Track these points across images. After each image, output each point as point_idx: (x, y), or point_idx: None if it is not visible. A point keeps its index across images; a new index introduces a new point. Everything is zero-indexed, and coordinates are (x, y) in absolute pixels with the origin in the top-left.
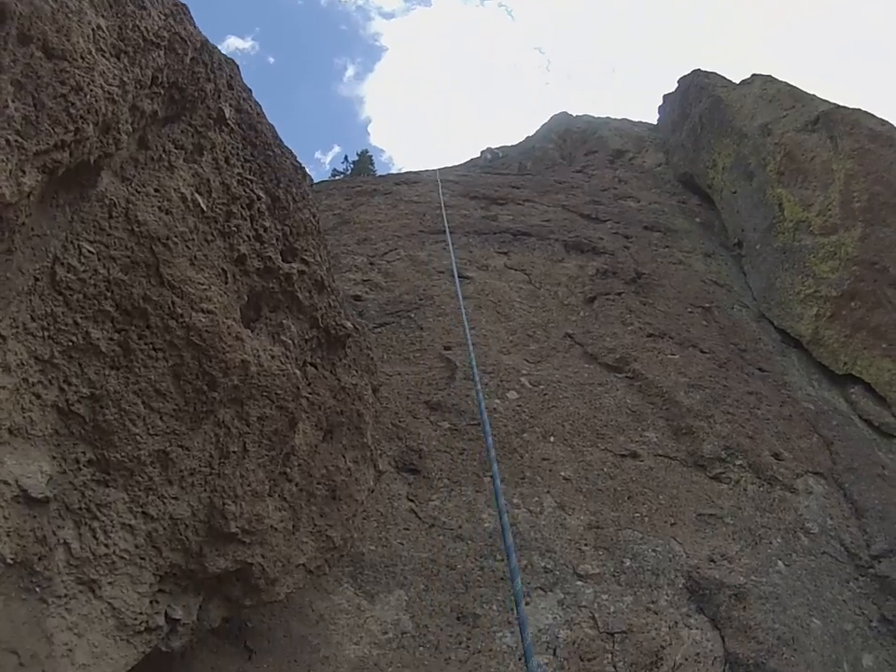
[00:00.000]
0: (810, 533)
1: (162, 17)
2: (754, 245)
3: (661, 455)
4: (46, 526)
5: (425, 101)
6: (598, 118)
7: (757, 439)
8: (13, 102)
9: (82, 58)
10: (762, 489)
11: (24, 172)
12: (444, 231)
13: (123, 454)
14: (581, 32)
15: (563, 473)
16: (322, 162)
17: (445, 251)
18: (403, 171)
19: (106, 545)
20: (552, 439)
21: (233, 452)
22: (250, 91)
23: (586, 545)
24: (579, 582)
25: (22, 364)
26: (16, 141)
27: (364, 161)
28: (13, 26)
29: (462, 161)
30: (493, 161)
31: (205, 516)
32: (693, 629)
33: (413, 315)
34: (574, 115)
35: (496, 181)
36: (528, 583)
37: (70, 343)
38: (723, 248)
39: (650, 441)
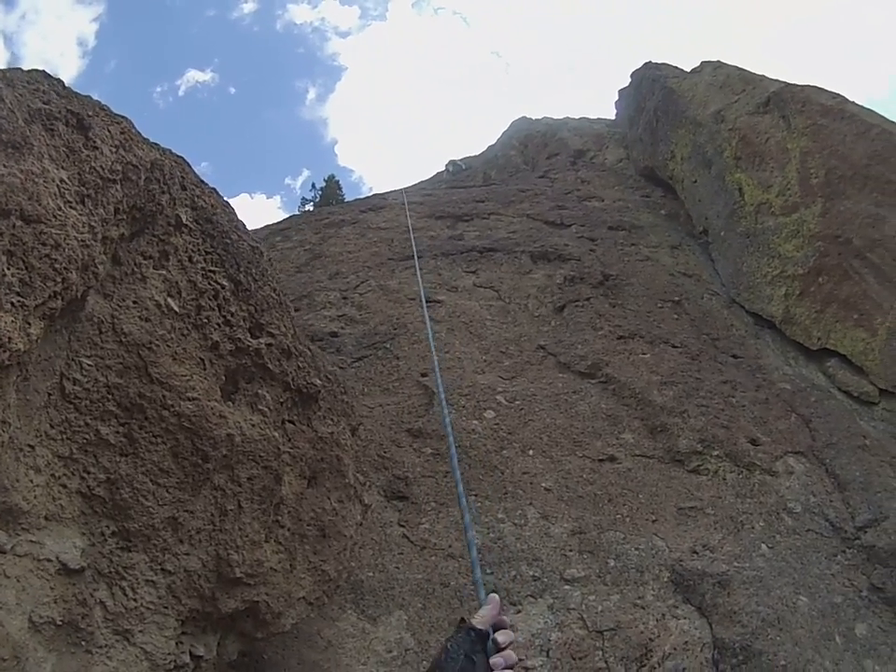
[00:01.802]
0: (793, 513)
1: (113, 150)
2: (719, 232)
3: (638, 456)
4: (84, 591)
5: (388, 116)
6: (558, 119)
7: (732, 427)
8: (8, 269)
9: (55, 217)
10: (741, 476)
11: (30, 324)
12: (413, 257)
13: (140, 523)
14: (536, 32)
15: (544, 484)
16: (293, 188)
17: (415, 277)
18: (373, 191)
19: (135, 599)
20: (531, 452)
21: (230, 509)
22: (202, 182)
23: (571, 551)
24: (566, 587)
25: (49, 463)
26: (18, 301)
27: (331, 187)
28: None
29: (429, 176)
30: (457, 174)
31: (214, 566)
32: (681, 619)
33: (388, 346)
34: (534, 119)
35: (460, 197)
36: (518, 592)
37: (84, 441)
38: (690, 238)
39: (626, 443)
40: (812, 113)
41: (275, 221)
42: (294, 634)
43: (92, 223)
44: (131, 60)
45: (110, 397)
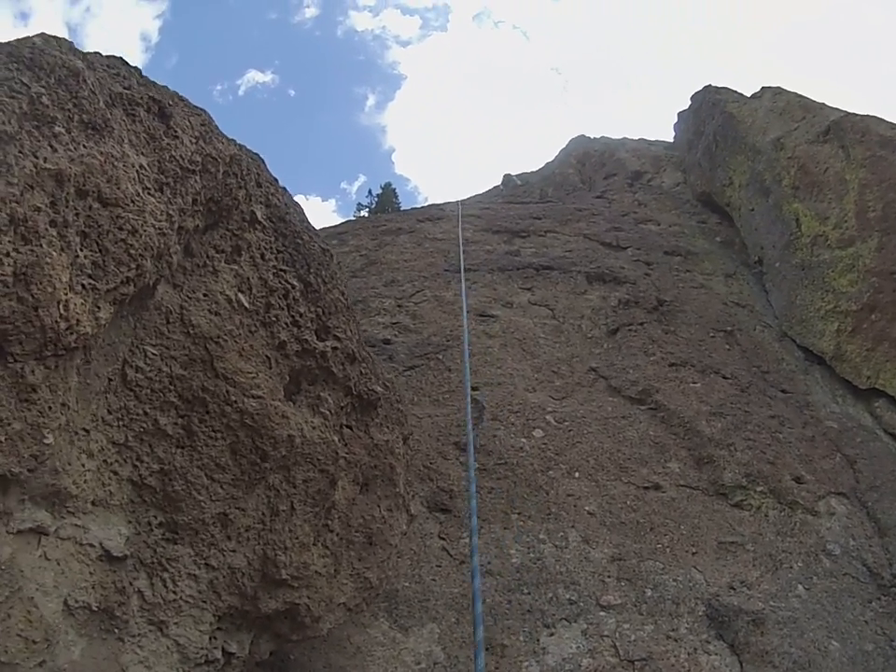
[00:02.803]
0: (832, 555)
1: (193, 141)
2: (774, 263)
3: (683, 486)
4: (124, 579)
5: (446, 127)
6: (615, 139)
7: (778, 463)
8: (81, 251)
9: (132, 202)
10: (783, 514)
11: (99, 308)
12: (469, 270)
13: (190, 517)
14: (594, 49)
15: (587, 508)
16: (348, 192)
17: (470, 290)
18: (429, 201)
19: (174, 592)
20: (576, 474)
21: (283, 510)
22: (276, 180)
23: (609, 577)
24: (602, 613)
25: (102, 449)
26: (90, 284)
27: (388, 195)
28: (70, 185)
29: (485, 189)
30: (513, 190)
31: (259, 565)
32: (712, 655)
33: (441, 357)
34: (591, 137)
35: (517, 213)
36: (553, 614)
37: (141, 429)
38: (745, 267)
39: (672, 472)
40: (871, 144)
41: (332, 224)
42: (323, 637)
43: (170, 212)
44: (192, 57)
45: (172, 388)
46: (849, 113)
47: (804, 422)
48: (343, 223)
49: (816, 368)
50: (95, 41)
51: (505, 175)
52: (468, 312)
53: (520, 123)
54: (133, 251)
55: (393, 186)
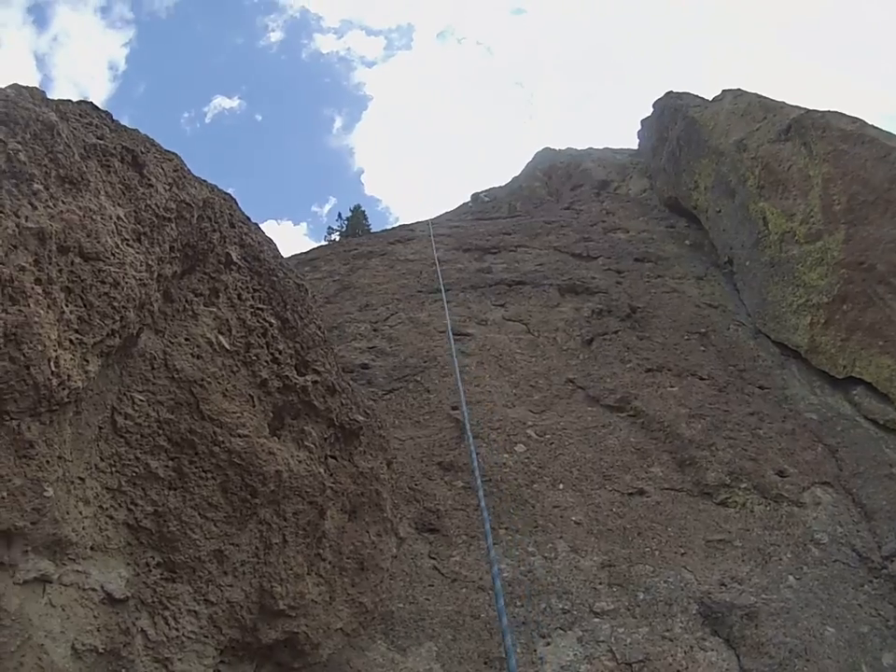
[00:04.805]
0: (820, 544)
1: (167, 188)
2: (744, 262)
3: (667, 489)
4: (127, 619)
5: (414, 146)
6: (581, 150)
7: (760, 459)
8: (67, 306)
9: (113, 255)
10: (769, 508)
11: (88, 361)
12: (442, 290)
13: (186, 556)
14: (557, 62)
15: (574, 518)
16: (319, 215)
17: (444, 310)
18: (400, 220)
19: (176, 629)
20: (561, 486)
21: (275, 543)
22: (248, 219)
23: (600, 584)
24: (596, 619)
25: (98, 496)
26: (77, 339)
27: (357, 217)
28: (52, 242)
29: (454, 207)
30: (482, 206)
31: (257, 598)
32: (709, 651)
33: (419, 379)
34: (557, 149)
35: (487, 229)
36: (548, 625)
37: (134, 474)
38: (715, 268)
39: (655, 477)
40: (832, 139)
41: (304, 251)
42: (323, 663)
43: (150, 261)
44: (159, 85)
45: (161, 431)
46: (809, 110)
47: (783, 416)
48: (314, 249)
49: (792, 362)
50: (63, 71)
51: (472, 195)
52: (442, 332)
53: (487, 138)
54: (116, 303)
55: (362, 208)
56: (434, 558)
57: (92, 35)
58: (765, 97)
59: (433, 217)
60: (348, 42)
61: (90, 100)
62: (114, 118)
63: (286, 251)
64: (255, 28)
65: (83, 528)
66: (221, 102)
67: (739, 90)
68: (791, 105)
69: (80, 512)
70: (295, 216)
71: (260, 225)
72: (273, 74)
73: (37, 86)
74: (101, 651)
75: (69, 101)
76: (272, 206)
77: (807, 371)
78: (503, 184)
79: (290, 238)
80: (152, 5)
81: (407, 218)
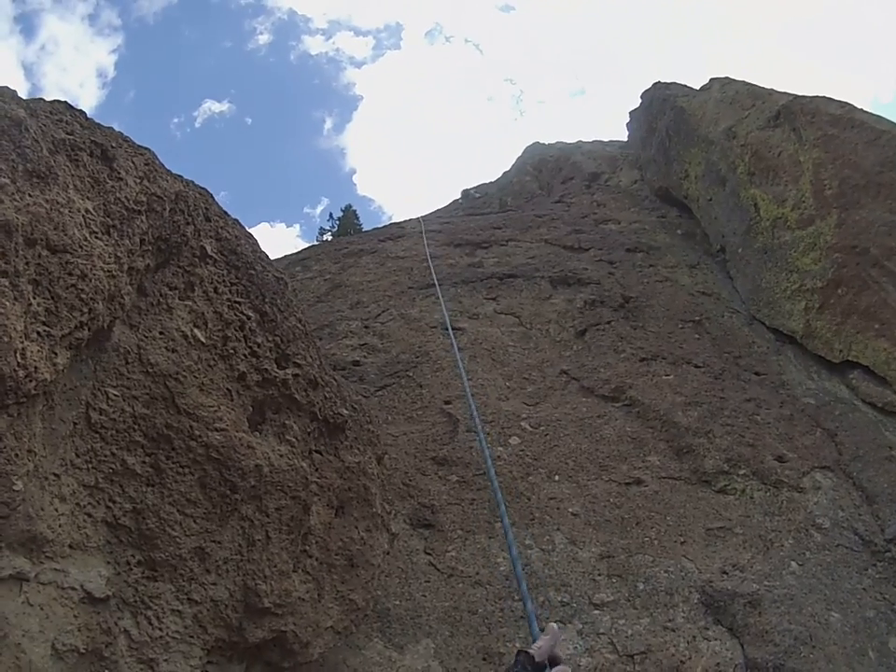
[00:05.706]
0: (822, 529)
1: (137, 181)
2: (736, 250)
3: (665, 478)
4: (108, 619)
5: (405, 145)
6: (570, 143)
7: (758, 445)
8: (34, 299)
9: (80, 247)
10: (768, 494)
11: (56, 353)
12: (433, 285)
13: (167, 553)
14: (546, 57)
15: (571, 509)
16: (312, 217)
17: (436, 305)
18: (393, 219)
19: (160, 629)
20: (556, 477)
21: (258, 539)
22: (226, 214)
23: (599, 575)
24: (595, 611)
25: (74, 492)
26: (45, 330)
27: (349, 217)
28: (19, 235)
29: (445, 204)
30: (473, 202)
31: (241, 596)
32: (712, 640)
33: (411, 374)
34: (547, 143)
35: (477, 224)
36: (547, 618)
37: (110, 470)
38: (708, 257)
39: (652, 466)
40: (822, 124)
41: (294, 251)
42: (320, 662)
43: (118, 254)
44: (149, 90)
45: (137, 427)
46: (798, 96)
47: (780, 401)
48: (305, 249)
49: (787, 347)
50: (52, 80)
51: (463, 191)
52: (434, 328)
53: (478, 135)
54: (84, 295)
55: (354, 208)
56: (429, 554)
57: (80, 42)
58: (754, 84)
59: (424, 214)
60: (337, 43)
61: (65, 100)
62: (88, 116)
63: (279, 253)
64: (243, 31)
65: (59, 526)
66: (211, 106)
67: (727, 78)
68: (780, 92)
69: (56, 509)
70: (288, 218)
71: (253, 228)
72: (262, 76)
73: (24, 96)
74: (82, 651)
75: (41, 99)
76: (264, 209)
77: (803, 357)
78: (493, 180)
79: (284, 240)
80: (140, 11)
81: (399, 217)
